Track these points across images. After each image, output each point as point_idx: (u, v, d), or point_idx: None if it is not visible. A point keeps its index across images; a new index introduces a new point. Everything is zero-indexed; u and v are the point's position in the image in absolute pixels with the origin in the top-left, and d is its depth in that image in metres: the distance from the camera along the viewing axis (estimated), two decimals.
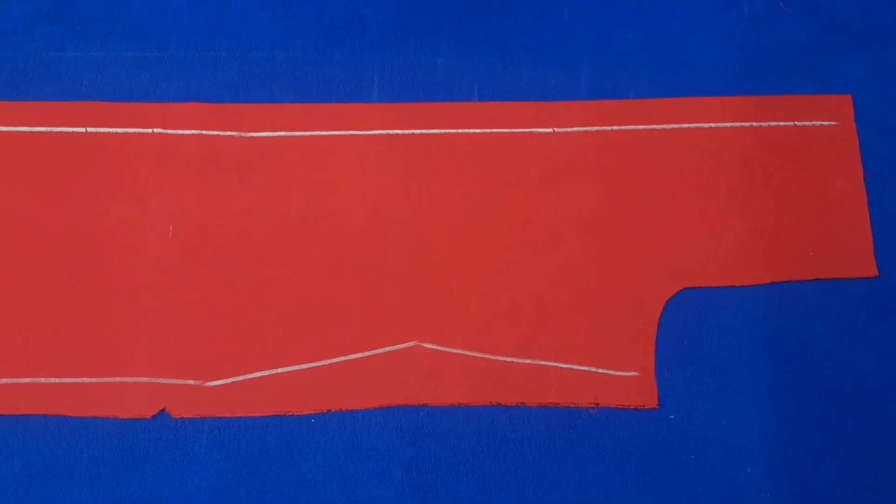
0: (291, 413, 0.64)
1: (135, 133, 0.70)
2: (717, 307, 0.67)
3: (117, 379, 0.64)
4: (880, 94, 0.73)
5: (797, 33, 0.74)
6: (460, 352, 0.66)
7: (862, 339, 0.66)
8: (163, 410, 0.63)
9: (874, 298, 0.67)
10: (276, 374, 0.64)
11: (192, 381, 0.64)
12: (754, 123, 0.71)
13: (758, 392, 0.65)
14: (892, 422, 0.64)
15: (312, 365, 0.65)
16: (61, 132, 0.69)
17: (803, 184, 0.70)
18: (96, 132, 0.69)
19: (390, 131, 0.70)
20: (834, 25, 0.75)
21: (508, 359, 0.66)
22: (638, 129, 0.71)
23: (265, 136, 0.70)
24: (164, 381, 0.64)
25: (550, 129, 0.70)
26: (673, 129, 0.71)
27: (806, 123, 0.72)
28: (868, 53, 0.74)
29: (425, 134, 0.70)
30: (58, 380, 0.63)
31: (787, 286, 0.68)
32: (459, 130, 0.70)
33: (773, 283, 0.68)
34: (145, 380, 0.64)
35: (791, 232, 0.69)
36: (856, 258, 0.68)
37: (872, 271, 0.68)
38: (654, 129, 0.71)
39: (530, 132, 0.70)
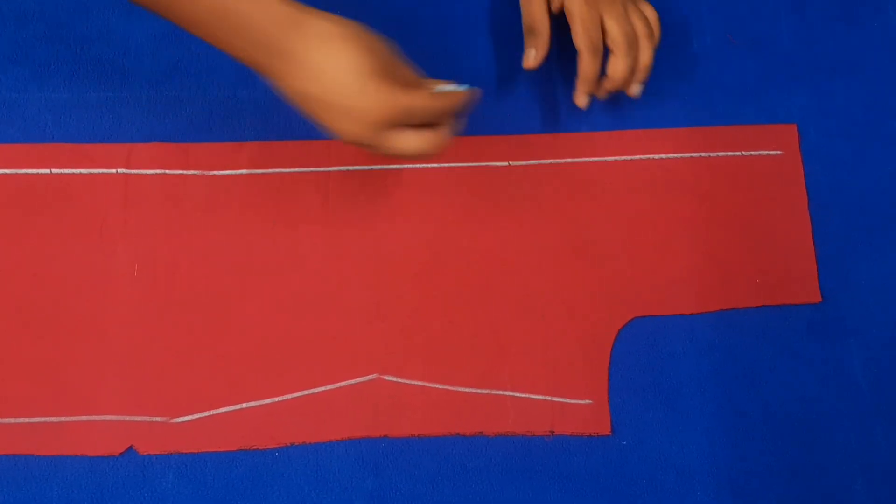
0: (256, 447, 0.65)
1: (99, 173, 0.71)
2: (667, 335, 0.69)
3: (85, 417, 0.65)
4: (824, 124, 0.75)
5: (743, 65, 0.76)
6: (420, 383, 0.67)
7: (807, 363, 0.69)
8: (130, 447, 0.65)
9: (818, 324, 0.70)
10: (242, 408, 0.66)
11: (158, 418, 0.65)
12: (703, 154, 0.73)
13: (707, 417, 0.67)
14: (837, 445, 0.67)
15: (276, 399, 0.67)
16: (25, 174, 0.71)
17: (750, 212, 0.72)
18: (60, 173, 0.71)
19: (350, 167, 0.72)
20: (779, 57, 0.77)
21: (467, 389, 0.67)
22: (591, 162, 0.73)
23: (228, 174, 0.72)
24: (132, 418, 0.65)
25: (506, 163, 0.72)
26: (625, 160, 0.73)
27: (752, 153, 0.74)
28: (812, 84, 0.76)
29: (384, 169, 0.72)
30: (26, 419, 0.64)
31: (735, 313, 0.70)
32: (417, 165, 0.72)
33: (720, 310, 0.70)
34: (113, 417, 0.65)
35: (738, 260, 0.71)
36: (801, 285, 0.71)
37: (816, 297, 0.70)
38: (606, 161, 0.73)
39: (486, 166, 0.72)
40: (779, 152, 0.74)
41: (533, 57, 0.69)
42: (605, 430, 0.66)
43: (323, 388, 0.66)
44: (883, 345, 0.69)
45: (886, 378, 0.68)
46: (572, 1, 0.69)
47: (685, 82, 0.75)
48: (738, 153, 0.73)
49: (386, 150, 0.51)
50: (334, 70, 0.48)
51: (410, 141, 0.51)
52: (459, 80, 0.55)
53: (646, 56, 0.69)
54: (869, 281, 0.71)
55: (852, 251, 0.72)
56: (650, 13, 0.72)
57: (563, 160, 0.72)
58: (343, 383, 0.67)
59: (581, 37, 0.68)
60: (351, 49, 0.48)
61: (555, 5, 0.71)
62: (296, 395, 0.66)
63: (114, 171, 0.70)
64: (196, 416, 0.65)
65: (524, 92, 0.74)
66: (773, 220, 0.72)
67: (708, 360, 0.68)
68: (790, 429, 0.67)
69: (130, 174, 0.70)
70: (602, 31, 0.68)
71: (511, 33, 0.74)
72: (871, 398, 0.68)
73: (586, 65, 0.69)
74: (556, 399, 0.67)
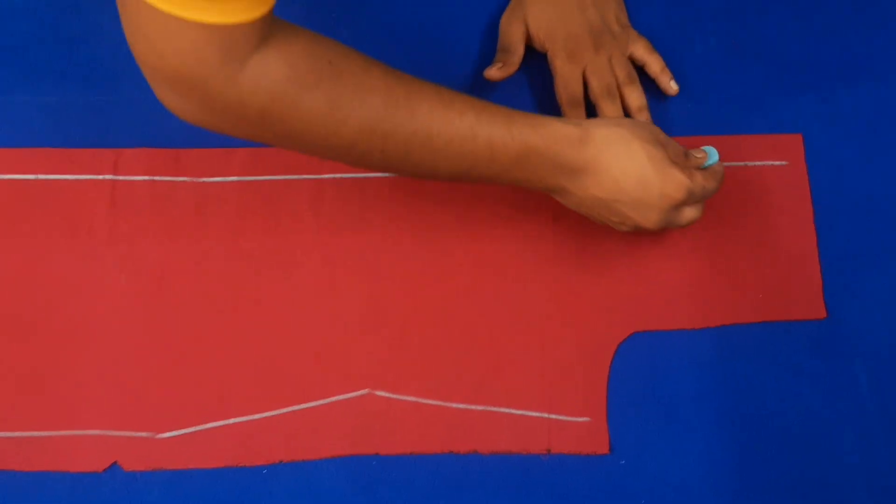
0: (244, 464, 0.63)
1: (85, 179, 0.69)
2: (668, 351, 0.67)
3: (68, 432, 0.63)
4: (831, 134, 0.73)
5: (747, 72, 0.75)
6: (413, 399, 0.66)
7: (811, 382, 0.67)
8: (114, 464, 0.63)
9: (823, 341, 0.67)
10: (229, 424, 0.64)
11: (144, 433, 0.64)
12: None
13: (708, 436, 0.65)
14: (842, 467, 0.64)
15: (265, 415, 0.65)
16: (9, 179, 0.69)
17: (753, 225, 0.70)
18: (46, 179, 0.69)
19: (342, 175, 0.70)
20: (784, 64, 0.75)
21: (462, 405, 0.66)
22: None
23: (218, 181, 0.70)
24: (116, 433, 0.63)
25: None
26: None
27: (756, 163, 0.72)
28: (818, 92, 0.74)
29: (377, 177, 0.70)
30: (8, 434, 0.63)
31: (737, 329, 0.68)
32: None
33: (722, 325, 0.68)
34: (97, 432, 0.63)
35: (741, 274, 0.69)
36: (805, 300, 0.68)
37: (821, 313, 0.68)
38: None
39: None
40: (784, 163, 0.72)
41: (498, 69, 0.69)
42: (604, 448, 0.64)
43: (313, 404, 0.65)
44: (890, 364, 0.67)
45: (893, 397, 0.66)
46: (555, 55, 0.70)
47: (686, 89, 0.73)
48: (742, 163, 0.71)
49: (675, 226, 0.59)
50: (631, 170, 0.54)
51: (692, 213, 0.59)
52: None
53: (634, 99, 0.70)
54: (876, 296, 0.69)
55: (859, 266, 0.69)
56: (640, 51, 0.71)
57: None
58: (333, 398, 0.65)
59: (560, 92, 0.69)
60: (636, 147, 0.54)
61: (536, 44, 0.71)
62: (285, 410, 0.65)
63: (101, 177, 0.69)
64: (182, 431, 0.64)
65: (523, 100, 0.72)
66: (778, 233, 0.70)
67: (709, 377, 0.66)
68: (793, 449, 0.65)
69: (118, 180, 0.69)
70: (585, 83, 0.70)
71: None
72: (877, 419, 0.66)
73: (568, 117, 0.69)
74: (552, 416, 0.65)
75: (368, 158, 0.52)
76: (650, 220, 0.56)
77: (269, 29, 0.45)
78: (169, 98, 0.49)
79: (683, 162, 0.57)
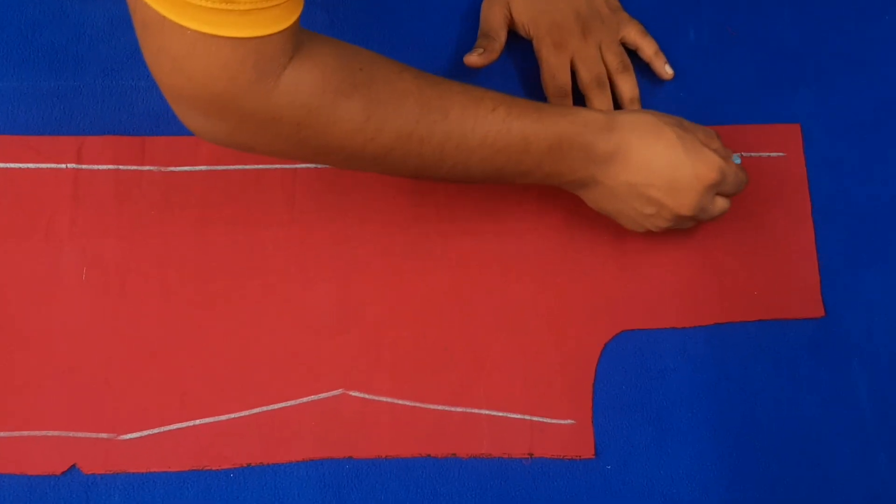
0: (209, 468, 0.60)
1: (46, 168, 0.66)
2: (657, 350, 0.64)
3: (24, 433, 0.60)
4: (829, 124, 0.70)
5: (744, 61, 0.72)
6: (389, 400, 0.63)
7: (807, 383, 0.64)
8: (73, 466, 0.60)
9: (820, 340, 0.65)
10: (194, 425, 0.61)
11: (104, 435, 0.61)
12: None
13: (699, 440, 0.62)
14: (838, 472, 0.62)
15: (232, 416, 0.62)
16: None
17: (749, 218, 0.67)
18: (6, 167, 0.66)
19: (318, 165, 0.67)
20: (782, 53, 0.72)
21: (440, 407, 0.63)
22: None
23: (186, 171, 0.67)
24: (75, 434, 0.60)
25: None
26: None
27: (752, 154, 0.69)
28: (817, 82, 0.71)
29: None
30: None
31: (730, 328, 0.65)
32: None
33: (715, 324, 0.65)
34: (54, 433, 0.60)
35: (735, 270, 0.66)
36: (802, 298, 0.65)
37: (819, 311, 0.66)
38: None
39: None
40: (781, 154, 0.69)
41: (479, 55, 0.66)
42: (589, 452, 0.62)
43: (283, 404, 0.62)
44: (890, 365, 0.64)
45: (893, 401, 0.64)
46: (540, 43, 0.67)
47: (681, 78, 0.70)
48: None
49: (708, 217, 0.58)
50: (661, 152, 0.53)
51: (723, 204, 0.58)
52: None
53: (627, 89, 0.67)
54: (876, 294, 0.66)
55: (859, 262, 0.67)
56: (633, 34, 0.68)
57: None
58: (305, 399, 0.62)
59: (547, 82, 0.66)
60: (665, 130, 0.53)
61: (520, 30, 0.68)
62: (253, 411, 0.62)
63: (63, 165, 0.66)
64: (145, 432, 0.61)
65: (508, 89, 0.69)
66: (774, 227, 0.67)
67: (701, 378, 0.64)
68: (788, 454, 0.62)
69: (81, 169, 0.66)
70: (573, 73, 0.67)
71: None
72: (875, 422, 0.63)
73: None
74: (535, 419, 0.62)
75: (404, 165, 0.51)
76: (685, 204, 0.54)
77: (299, 37, 0.44)
78: (195, 121, 0.46)
79: (714, 144, 0.56)
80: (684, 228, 0.61)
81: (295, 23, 0.41)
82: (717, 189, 0.55)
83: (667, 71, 0.69)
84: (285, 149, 0.47)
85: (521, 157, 0.51)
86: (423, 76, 0.49)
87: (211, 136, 0.46)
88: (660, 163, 0.53)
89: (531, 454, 0.61)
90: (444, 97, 0.48)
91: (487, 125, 0.49)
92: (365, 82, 0.45)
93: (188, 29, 0.39)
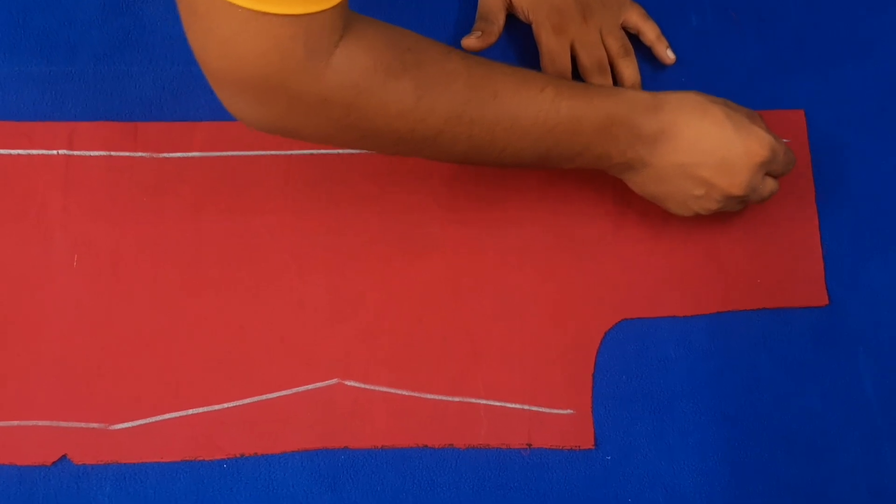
0: (202, 458, 0.59)
1: (38, 154, 0.65)
2: (658, 339, 0.63)
3: (15, 422, 0.59)
4: (834, 110, 0.69)
5: (747, 45, 0.71)
6: (385, 389, 0.62)
7: (811, 373, 0.63)
8: (64, 456, 0.59)
9: (824, 329, 0.64)
10: (187, 415, 0.60)
11: (95, 425, 0.60)
12: None
13: (700, 430, 0.61)
14: (842, 464, 0.61)
15: (226, 406, 0.61)
16: None
17: (751, 205, 0.66)
18: None
19: (313, 151, 0.66)
20: (786, 37, 0.71)
21: (437, 396, 0.62)
22: None
23: (179, 157, 0.66)
24: (66, 424, 0.60)
25: None
26: None
27: None
28: (821, 67, 0.70)
29: (349, 154, 0.66)
30: None
31: (733, 316, 0.64)
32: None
33: (717, 312, 0.64)
34: (45, 423, 0.59)
35: (737, 257, 0.65)
36: (805, 286, 0.64)
37: (823, 300, 0.64)
38: None
39: None
40: (785, 140, 0.68)
41: (476, 38, 0.65)
42: (588, 443, 0.61)
43: (277, 394, 0.61)
44: (895, 353, 0.63)
45: None
46: (540, 27, 0.66)
47: (682, 63, 0.69)
48: None
49: (758, 198, 0.57)
50: (710, 130, 0.52)
51: (773, 185, 0.57)
52: None
53: (628, 74, 0.66)
54: (881, 282, 0.65)
55: (863, 249, 0.66)
56: (634, 18, 0.67)
57: None
58: (300, 388, 0.61)
59: (546, 67, 0.65)
60: (712, 108, 0.53)
61: (519, 14, 0.67)
62: (247, 401, 0.61)
63: (54, 152, 0.65)
64: (137, 422, 0.60)
65: None
66: (777, 214, 0.66)
67: (702, 367, 0.63)
68: (791, 445, 0.61)
69: (72, 155, 0.65)
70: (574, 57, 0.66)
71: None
72: (880, 412, 0.62)
73: None
74: (534, 408, 0.61)
75: (453, 148, 0.50)
76: (736, 183, 0.53)
77: (347, 17, 0.43)
78: (241, 106, 0.46)
79: (760, 123, 0.55)
80: (734, 211, 0.60)
81: (344, 0, 0.41)
82: (767, 167, 0.54)
83: (669, 56, 0.68)
84: (333, 133, 0.47)
85: (572, 137, 0.50)
86: (470, 57, 0.48)
87: (257, 122, 0.45)
88: (709, 142, 0.52)
89: (530, 444, 0.61)
90: (492, 78, 0.47)
91: (537, 106, 0.48)
92: (414, 63, 0.44)
93: (239, 7, 0.38)
